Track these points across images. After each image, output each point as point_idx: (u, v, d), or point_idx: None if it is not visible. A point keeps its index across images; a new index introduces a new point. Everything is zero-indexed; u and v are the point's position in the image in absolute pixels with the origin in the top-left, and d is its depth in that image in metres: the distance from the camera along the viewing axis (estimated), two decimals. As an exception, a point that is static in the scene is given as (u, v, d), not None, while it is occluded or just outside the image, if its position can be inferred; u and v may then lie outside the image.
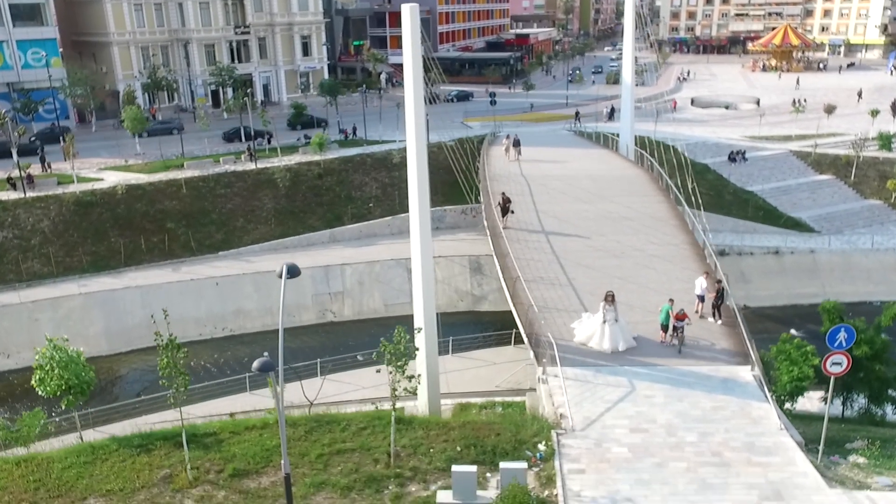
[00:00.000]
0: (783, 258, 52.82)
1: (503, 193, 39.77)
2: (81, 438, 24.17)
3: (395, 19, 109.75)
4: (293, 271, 15.09)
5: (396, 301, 46.95)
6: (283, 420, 15.45)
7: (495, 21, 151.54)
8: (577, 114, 76.54)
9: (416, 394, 19.92)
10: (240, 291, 47.06)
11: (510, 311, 30.86)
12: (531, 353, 26.09)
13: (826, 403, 22.50)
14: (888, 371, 28.09)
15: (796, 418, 24.81)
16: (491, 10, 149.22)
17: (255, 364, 13.99)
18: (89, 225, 50.07)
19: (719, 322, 27.45)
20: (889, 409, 29.37)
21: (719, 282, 27.76)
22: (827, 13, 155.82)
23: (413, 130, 26.10)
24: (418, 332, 21.42)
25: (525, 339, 27.29)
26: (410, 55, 25.73)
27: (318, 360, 34.98)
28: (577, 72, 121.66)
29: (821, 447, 20.99)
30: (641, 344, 25.96)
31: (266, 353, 14.56)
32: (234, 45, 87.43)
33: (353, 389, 33.35)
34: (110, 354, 42.89)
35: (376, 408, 21.79)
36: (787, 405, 25.46)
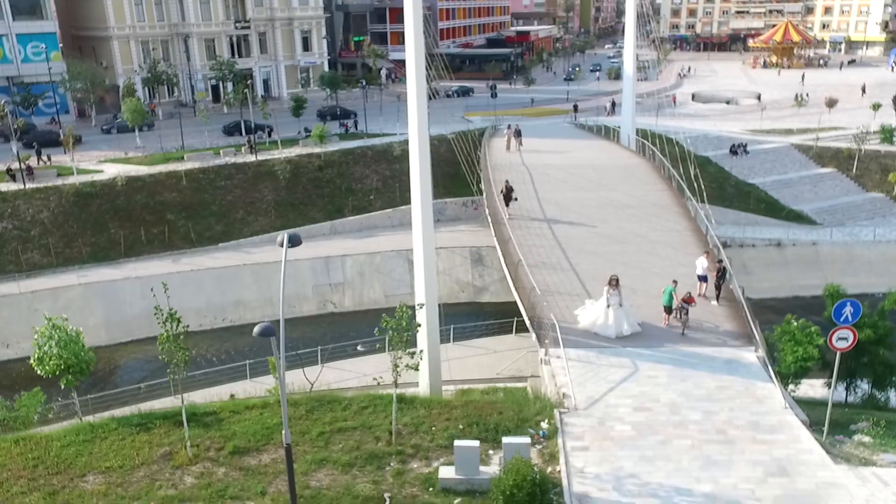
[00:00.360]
0: (785, 250, 52.62)
1: (506, 181, 39.57)
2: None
3: (396, 15, 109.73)
4: (294, 240, 14.93)
5: (397, 292, 46.76)
6: (284, 390, 15.30)
7: (496, 18, 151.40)
8: (575, 107, 76.82)
9: (417, 369, 19.74)
10: (240, 282, 46.93)
11: (511, 302, 30.75)
12: (533, 336, 25.96)
13: (830, 387, 22.37)
14: (892, 356, 27.96)
15: (799, 403, 24.68)
16: (491, 7, 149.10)
17: (256, 329, 13.83)
18: (89, 216, 49.94)
19: (720, 298, 27.38)
20: (892, 394, 29.23)
21: (720, 261, 27.66)
22: (828, 10, 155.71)
23: (415, 118, 25.94)
24: (420, 308, 21.30)
25: (527, 322, 27.14)
26: (413, 43, 25.57)
27: (319, 347, 34.83)
28: (577, 69, 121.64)
29: (825, 427, 20.87)
30: (645, 327, 25.80)
31: (267, 320, 14.42)
32: (235, 39, 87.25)
33: (353, 377, 33.18)
34: (110, 345, 42.69)
35: (378, 383, 21.62)
36: (791, 387, 25.31)
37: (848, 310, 19.95)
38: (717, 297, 27.55)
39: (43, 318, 22.60)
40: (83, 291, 44.38)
